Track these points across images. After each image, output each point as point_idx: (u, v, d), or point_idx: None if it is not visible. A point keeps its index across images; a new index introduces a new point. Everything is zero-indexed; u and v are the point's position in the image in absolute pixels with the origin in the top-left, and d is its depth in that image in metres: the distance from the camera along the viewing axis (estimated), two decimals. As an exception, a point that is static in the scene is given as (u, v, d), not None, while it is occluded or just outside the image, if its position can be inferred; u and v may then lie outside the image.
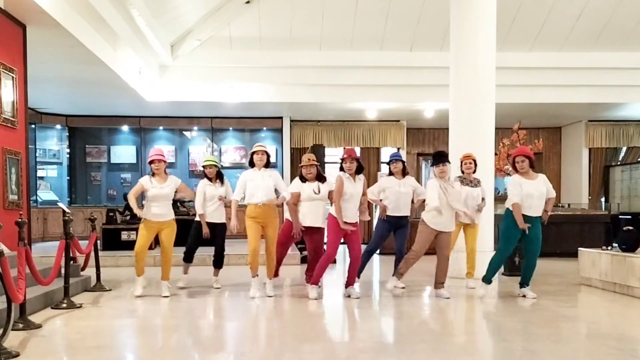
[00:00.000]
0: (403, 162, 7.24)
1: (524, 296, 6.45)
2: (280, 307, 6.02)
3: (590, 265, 7.28)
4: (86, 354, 4.12)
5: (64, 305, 5.80)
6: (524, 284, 6.52)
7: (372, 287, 7.58)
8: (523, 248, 6.55)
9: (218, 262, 7.20)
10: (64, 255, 6.04)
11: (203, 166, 7.16)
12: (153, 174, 6.44)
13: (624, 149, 14.90)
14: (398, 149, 14.51)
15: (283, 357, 4.07)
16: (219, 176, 7.09)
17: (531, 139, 11.35)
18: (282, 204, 6.73)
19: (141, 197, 6.56)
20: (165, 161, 6.50)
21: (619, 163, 14.87)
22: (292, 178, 6.95)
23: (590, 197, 14.60)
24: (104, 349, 4.30)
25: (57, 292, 5.97)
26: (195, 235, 7.08)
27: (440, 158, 6.45)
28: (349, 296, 6.37)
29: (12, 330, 4.27)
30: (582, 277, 7.49)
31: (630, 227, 7.01)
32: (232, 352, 4.32)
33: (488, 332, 5.22)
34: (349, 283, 6.46)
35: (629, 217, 12.49)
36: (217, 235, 7.06)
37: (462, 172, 7.19)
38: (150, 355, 4.28)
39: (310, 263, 7.01)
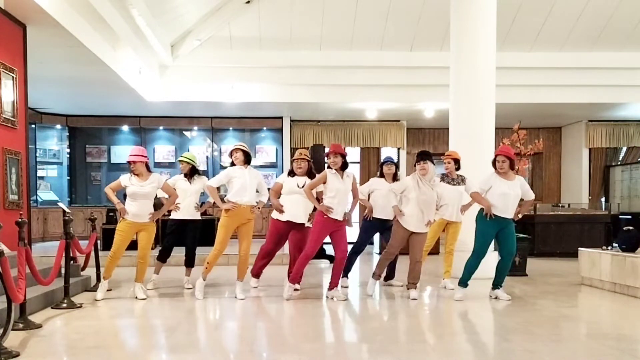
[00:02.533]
0: (397, 166, 7.23)
1: (496, 298, 6.31)
2: (280, 307, 6.02)
3: (590, 265, 7.28)
4: (86, 354, 4.12)
5: (64, 305, 5.80)
6: (497, 285, 6.38)
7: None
8: (498, 249, 6.42)
9: (190, 261, 7.18)
10: (64, 255, 6.04)
11: (178, 160, 7.18)
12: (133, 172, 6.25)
13: (624, 149, 14.90)
14: (398, 149, 14.51)
15: (283, 357, 4.07)
16: (193, 173, 7.05)
17: (531, 139, 11.34)
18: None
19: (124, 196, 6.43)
20: (142, 161, 6.21)
21: (619, 163, 14.87)
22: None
23: (590, 197, 14.60)
24: (104, 349, 4.30)
25: (57, 292, 5.97)
26: (170, 235, 7.07)
27: (420, 156, 6.31)
28: (332, 298, 6.20)
29: (12, 330, 4.27)
30: (582, 277, 7.50)
31: (630, 227, 7.01)
32: (232, 352, 4.32)
33: (488, 332, 5.22)
34: (332, 285, 6.28)
35: (629, 217, 12.48)
36: (189, 232, 7.03)
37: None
38: (150, 355, 4.28)
39: (292, 261, 6.90)
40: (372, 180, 7.31)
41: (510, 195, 6.13)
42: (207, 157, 14.34)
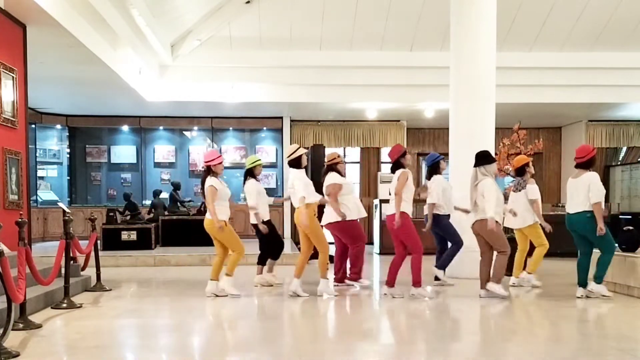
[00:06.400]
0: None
1: (588, 295, 6.30)
2: (280, 306, 6.01)
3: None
4: (86, 354, 4.12)
5: (64, 305, 5.80)
6: (599, 278, 6.34)
7: (374, 287, 7.58)
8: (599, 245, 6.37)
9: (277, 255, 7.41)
10: (64, 255, 6.04)
11: (254, 167, 7.10)
12: (214, 174, 6.26)
13: (624, 149, 14.90)
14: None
15: (283, 357, 4.07)
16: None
17: (531, 139, 11.32)
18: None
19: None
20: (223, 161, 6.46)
21: (619, 163, 14.87)
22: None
23: (590, 197, 14.57)
24: (104, 349, 4.30)
25: (57, 292, 5.97)
26: (268, 235, 7.15)
27: (492, 157, 6.47)
28: (393, 296, 6.26)
29: (12, 330, 4.27)
30: (582, 277, 7.48)
31: (630, 227, 6.99)
32: (233, 353, 4.32)
33: (488, 332, 5.22)
34: (416, 283, 6.24)
35: (629, 217, 12.48)
36: (275, 229, 7.33)
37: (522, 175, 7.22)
38: (150, 355, 4.28)
39: (339, 258, 7.14)
40: (438, 179, 7.33)
41: None
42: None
